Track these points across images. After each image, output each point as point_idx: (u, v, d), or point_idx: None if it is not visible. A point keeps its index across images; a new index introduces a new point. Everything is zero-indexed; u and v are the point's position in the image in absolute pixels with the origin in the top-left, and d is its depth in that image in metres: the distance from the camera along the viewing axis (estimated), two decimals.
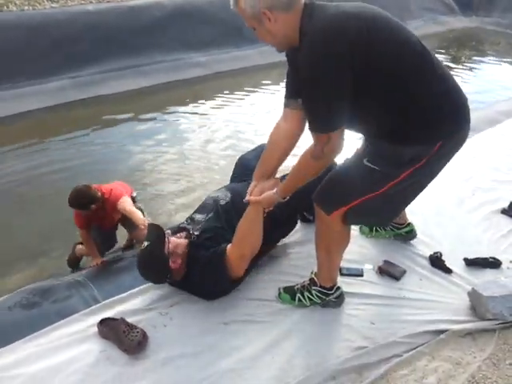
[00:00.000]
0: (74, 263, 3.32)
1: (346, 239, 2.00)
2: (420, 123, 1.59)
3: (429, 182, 1.81)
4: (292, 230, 2.53)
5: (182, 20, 8.25)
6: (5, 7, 7.01)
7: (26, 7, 7.19)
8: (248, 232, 2.03)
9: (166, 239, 2.05)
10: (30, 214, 3.95)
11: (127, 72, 7.41)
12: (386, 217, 2.00)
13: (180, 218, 3.59)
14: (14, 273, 3.31)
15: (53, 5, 7.42)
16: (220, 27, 8.78)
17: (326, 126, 1.56)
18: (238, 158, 2.72)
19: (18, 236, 3.73)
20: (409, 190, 1.77)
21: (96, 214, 2.95)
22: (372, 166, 1.69)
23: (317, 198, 1.88)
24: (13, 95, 6.29)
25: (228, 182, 2.64)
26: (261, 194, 1.95)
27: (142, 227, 2.71)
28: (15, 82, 6.43)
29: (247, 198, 1.98)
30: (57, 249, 3.55)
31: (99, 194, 2.90)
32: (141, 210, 3.07)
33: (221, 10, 8.77)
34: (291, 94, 1.86)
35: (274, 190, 1.89)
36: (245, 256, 2.04)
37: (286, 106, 1.91)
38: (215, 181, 4.49)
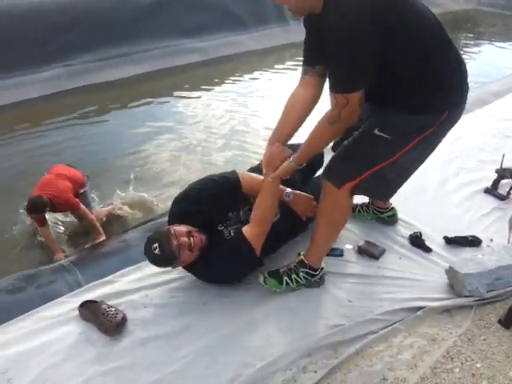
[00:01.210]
0: None
1: (349, 213, 2.08)
2: (433, 91, 1.66)
3: (429, 154, 1.90)
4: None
5: (176, 6, 8.19)
6: None
7: None
8: (268, 208, 2.04)
9: (175, 237, 1.92)
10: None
11: (121, 60, 7.38)
12: (391, 187, 2.02)
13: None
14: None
15: None
16: (214, 12, 8.73)
17: (348, 86, 1.59)
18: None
19: None
20: (414, 160, 1.87)
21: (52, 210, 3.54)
22: (384, 135, 1.75)
23: (328, 174, 1.92)
24: (7, 85, 6.30)
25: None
26: (272, 162, 2.01)
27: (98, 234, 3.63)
28: (10, 72, 6.43)
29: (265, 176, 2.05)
30: None
31: (47, 201, 3.39)
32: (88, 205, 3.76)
33: None
34: (309, 62, 1.89)
35: (291, 159, 1.94)
36: (264, 232, 2.02)
37: (304, 73, 1.93)
38: (213, 168, 4.52)
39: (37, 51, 6.68)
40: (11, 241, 3.73)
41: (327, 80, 1.72)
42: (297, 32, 9.68)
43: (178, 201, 2.13)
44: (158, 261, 1.96)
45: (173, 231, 1.91)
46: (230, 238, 2.08)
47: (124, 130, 5.68)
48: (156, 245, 1.89)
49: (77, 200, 3.59)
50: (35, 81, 6.48)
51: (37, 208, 3.40)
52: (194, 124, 5.80)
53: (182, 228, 1.96)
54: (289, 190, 2.22)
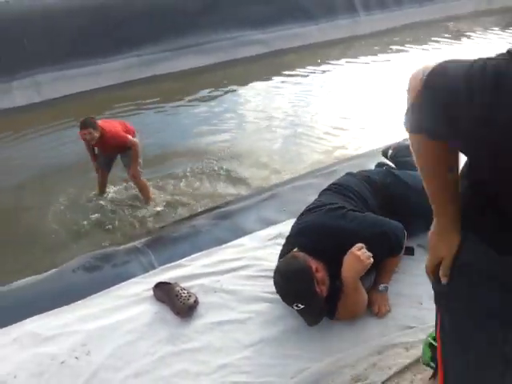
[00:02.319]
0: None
1: None
2: None
3: None
4: None
5: None
6: None
7: None
8: (358, 305, 1.94)
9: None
10: None
11: (187, 51, 7.53)
12: None
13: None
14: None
15: None
16: (278, 4, 8.69)
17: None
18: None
19: None
20: None
21: (98, 141, 3.86)
22: None
23: None
24: (81, 73, 6.60)
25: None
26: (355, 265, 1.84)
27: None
28: (81, 60, 6.72)
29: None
30: None
31: (98, 126, 3.79)
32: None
33: None
34: None
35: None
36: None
37: None
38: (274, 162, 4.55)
39: (106, 41, 6.94)
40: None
41: None
42: (366, 23, 9.54)
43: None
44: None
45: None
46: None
47: (190, 118, 5.82)
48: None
49: (126, 134, 3.95)
50: (105, 70, 6.75)
51: (86, 123, 3.75)
52: (258, 116, 5.84)
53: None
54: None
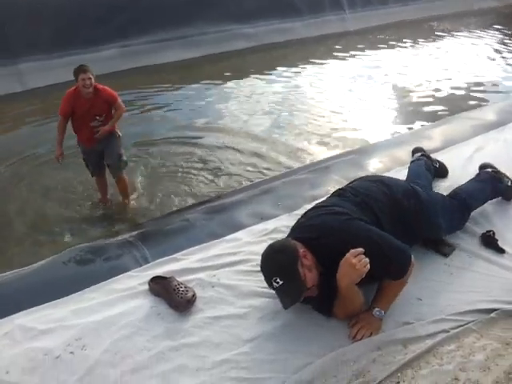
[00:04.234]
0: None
1: None
2: None
3: None
4: None
5: None
6: None
7: None
8: (353, 307, 1.89)
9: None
10: None
11: (175, 42, 7.45)
12: None
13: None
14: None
15: None
16: None
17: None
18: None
19: None
20: None
21: (89, 101, 3.63)
22: None
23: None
24: (64, 63, 6.44)
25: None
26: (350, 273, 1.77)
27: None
28: (67, 51, 6.58)
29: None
30: None
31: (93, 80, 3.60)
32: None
33: None
34: None
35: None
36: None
37: None
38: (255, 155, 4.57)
39: (93, 31, 6.81)
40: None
41: None
42: (352, 20, 9.60)
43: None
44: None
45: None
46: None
47: (177, 112, 5.76)
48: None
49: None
50: (92, 60, 6.61)
51: (86, 67, 3.57)
52: (242, 110, 5.82)
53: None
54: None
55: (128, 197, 4.08)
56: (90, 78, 3.55)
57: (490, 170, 2.64)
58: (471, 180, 2.59)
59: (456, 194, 2.44)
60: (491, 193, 2.54)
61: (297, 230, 2.02)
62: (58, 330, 1.86)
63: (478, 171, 2.69)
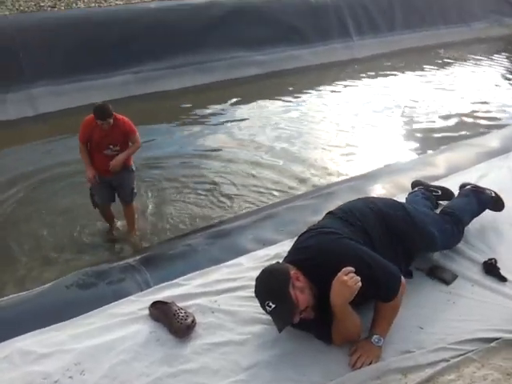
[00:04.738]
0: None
1: None
2: None
3: None
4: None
5: (239, 19, 8.35)
6: (74, 4, 7.36)
7: (93, 4, 7.51)
8: (349, 329, 1.89)
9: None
10: None
11: (187, 69, 7.59)
12: None
13: None
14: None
15: (117, 1, 7.71)
16: (276, 27, 8.82)
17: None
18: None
19: None
20: None
21: (106, 130, 3.52)
22: None
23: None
24: (78, 88, 6.59)
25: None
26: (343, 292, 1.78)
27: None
28: (81, 75, 6.73)
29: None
30: None
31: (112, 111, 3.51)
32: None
33: (277, 9, 8.85)
34: None
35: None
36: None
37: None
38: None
39: (109, 57, 6.97)
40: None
41: None
42: (360, 47, 9.72)
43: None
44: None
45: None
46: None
47: (185, 136, 5.86)
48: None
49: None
50: (105, 85, 6.76)
51: (105, 113, 3.43)
52: (250, 133, 5.90)
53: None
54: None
55: (134, 226, 3.99)
56: (106, 123, 3.47)
57: (469, 186, 2.72)
58: (455, 197, 2.69)
59: (444, 211, 2.51)
60: (478, 204, 2.59)
61: (291, 254, 2.05)
62: (57, 354, 1.87)
63: (458, 191, 2.76)
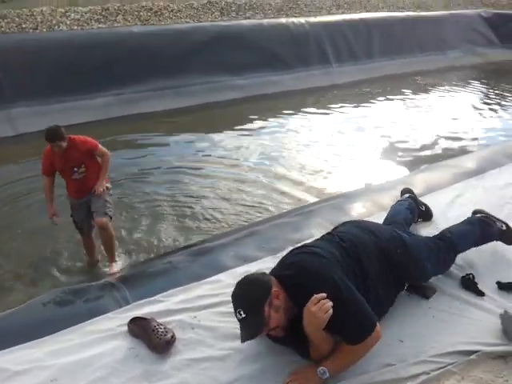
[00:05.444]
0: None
1: None
2: None
3: None
4: None
5: (222, 44, 8.50)
6: (56, 27, 7.40)
7: (75, 27, 7.56)
8: (323, 349, 1.85)
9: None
10: None
11: (167, 92, 7.66)
12: None
13: None
14: None
15: (100, 25, 7.77)
16: (257, 52, 9.00)
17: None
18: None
19: None
20: None
21: (62, 155, 3.51)
22: None
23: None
24: (60, 109, 6.59)
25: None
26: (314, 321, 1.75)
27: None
28: (63, 97, 6.74)
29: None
30: None
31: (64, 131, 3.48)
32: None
33: (260, 36, 9.04)
34: None
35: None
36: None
37: None
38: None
39: (91, 79, 7.00)
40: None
41: None
42: (339, 74, 9.95)
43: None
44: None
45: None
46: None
47: (162, 157, 5.88)
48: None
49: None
50: (87, 107, 6.77)
51: (57, 134, 3.40)
52: (228, 156, 5.96)
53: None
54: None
55: (112, 255, 3.76)
56: (57, 146, 3.44)
57: (479, 215, 2.65)
58: (461, 222, 2.60)
59: (443, 235, 2.45)
60: (480, 236, 2.53)
61: (277, 267, 2.03)
62: (33, 370, 1.82)
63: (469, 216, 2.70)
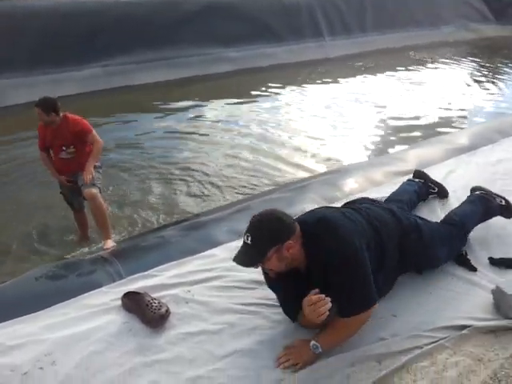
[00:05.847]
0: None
1: None
2: None
3: None
4: None
5: (213, 15, 8.32)
6: None
7: None
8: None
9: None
10: None
11: (157, 64, 7.51)
12: None
13: None
14: None
15: None
16: (250, 24, 8.83)
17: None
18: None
19: None
20: None
21: (54, 130, 3.43)
22: None
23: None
24: (46, 80, 6.43)
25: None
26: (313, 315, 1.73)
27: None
28: (49, 68, 6.57)
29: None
30: None
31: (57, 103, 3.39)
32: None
33: (252, 7, 8.86)
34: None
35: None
36: None
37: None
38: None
39: (77, 50, 6.82)
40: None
41: None
42: (332, 47, 9.83)
43: None
44: None
45: None
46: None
47: (156, 131, 5.80)
48: None
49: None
50: (74, 78, 6.62)
51: (46, 103, 3.30)
52: (224, 129, 5.91)
53: None
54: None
55: (107, 231, 3.55)
56: (39, 113, 3.32)
57: (478, 192, 2.67)
58: (463, 203, 2.62)
59: (451, 218, 2.45)
60: (484, 212, 2.56)
61: (308, 214, 2.00)
62: (27, 345, 1.81)
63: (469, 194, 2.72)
